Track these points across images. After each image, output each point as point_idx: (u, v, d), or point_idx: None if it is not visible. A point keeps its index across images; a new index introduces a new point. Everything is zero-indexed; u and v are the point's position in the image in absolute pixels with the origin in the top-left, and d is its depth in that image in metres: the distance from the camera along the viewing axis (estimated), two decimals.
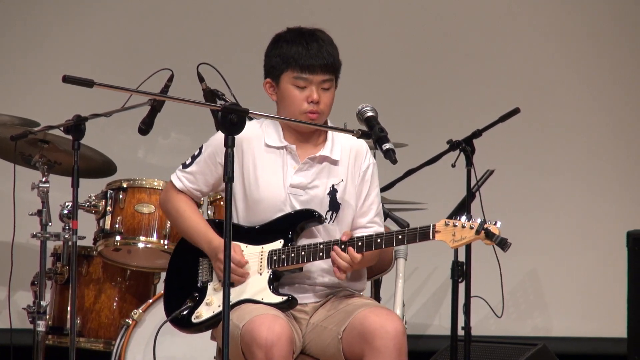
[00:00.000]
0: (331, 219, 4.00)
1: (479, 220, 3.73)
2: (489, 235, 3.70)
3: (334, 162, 4.01)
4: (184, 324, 4.00)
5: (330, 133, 4.04)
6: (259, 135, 4.02)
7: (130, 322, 5.20)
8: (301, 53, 3.93)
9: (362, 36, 6.97)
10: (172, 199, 4.11)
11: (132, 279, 5.55)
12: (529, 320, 7.02)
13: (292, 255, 3.92)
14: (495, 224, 3.73)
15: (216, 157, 4.01)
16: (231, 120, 3.47)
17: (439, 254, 6.08)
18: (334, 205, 4.00)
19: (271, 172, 3.99)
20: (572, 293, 6.98)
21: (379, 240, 3.86)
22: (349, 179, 4.02)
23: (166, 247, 5.32)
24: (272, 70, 4.00)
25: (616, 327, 6.27)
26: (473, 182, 4.61)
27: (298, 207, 3.98)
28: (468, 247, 4.55)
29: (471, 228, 3.74)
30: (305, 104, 3.95)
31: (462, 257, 4.60)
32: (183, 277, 4.06)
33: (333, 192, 4.00)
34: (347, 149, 4.04)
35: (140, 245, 5.36)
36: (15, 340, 5.45)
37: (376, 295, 5.65)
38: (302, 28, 4.02)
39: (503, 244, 3.68)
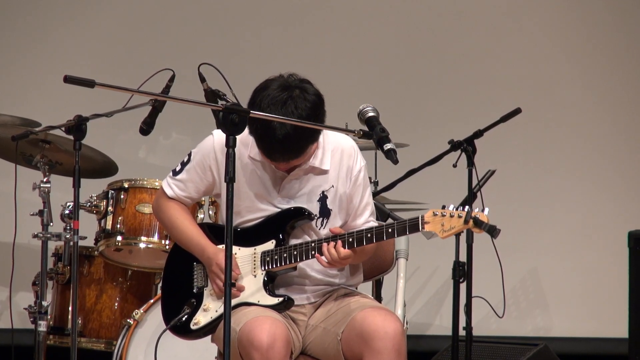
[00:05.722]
0: (322, 225, 3.98)
1: (466, 209, 3.71)
2: (478, 223, 3.68)
3: (324, 172, 3.98)
4: (183, 331, 4.01)
5: (321, 141, 3.95)
6: (245, 145, 3.94)
7: (132, 322, 5.19)
8: (267, 148, 3.79)
9: (364, 36, 6.96)
10: (163, 206, 4.10)
11: (134, 279, 5.55)
12: (530, 320, 7.02)
13: (285, 255, 3.92)
14: (483, 211, 3.71)
15: (204, 163, 3.99)
16: (232, 120, 3.46)
17: (440, 254, 6.09)
18: (325, 212, 3.98)
19: (253, 185, 3.95)
20: (573, 293, 6.98)
21: (369, 235, 3.86)
22: (339, 185, 3.99)
23: (167, 247, 5.32)
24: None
25: (617, 327, 6.27)
26: (474, 182, 4.60)
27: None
28: (469, 247, 4.54)
29: (459, 217, 3.72)
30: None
31: (463, 257, 4.59)
32: (178, 283, 4.07)
33: (323, 199, 3.98)
34: (337, 156, 3.99)
35: (142, 245, 5.36)
36: (17, 340, 5.46)
37: (377, 296, 5.65)
38: (277, 97, 3.77)
39: (492, 231, 3.66)
